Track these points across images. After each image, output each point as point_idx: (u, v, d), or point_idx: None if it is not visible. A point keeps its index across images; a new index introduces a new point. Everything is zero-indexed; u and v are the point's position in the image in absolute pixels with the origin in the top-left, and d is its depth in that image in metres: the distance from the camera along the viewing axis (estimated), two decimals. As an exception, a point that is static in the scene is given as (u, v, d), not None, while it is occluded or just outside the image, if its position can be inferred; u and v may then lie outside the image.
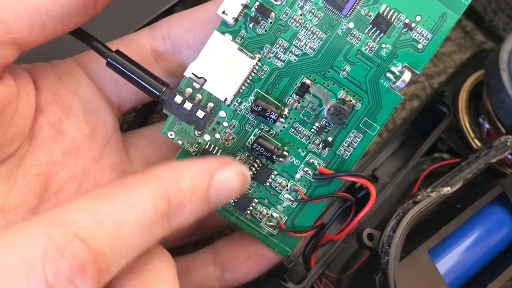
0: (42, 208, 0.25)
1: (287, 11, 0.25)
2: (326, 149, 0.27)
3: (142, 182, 0.20)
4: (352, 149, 0.26)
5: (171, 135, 0.26)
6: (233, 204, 0.27)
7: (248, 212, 0.27)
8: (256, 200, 0.27)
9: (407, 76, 0.25)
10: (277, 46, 0.26)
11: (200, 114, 0.26)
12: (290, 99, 0.26)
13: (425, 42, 0.25)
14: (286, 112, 0.26)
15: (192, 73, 0.25)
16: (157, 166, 0.21)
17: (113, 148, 0.28)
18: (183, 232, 0.28)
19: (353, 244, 0.27)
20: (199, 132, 0.26)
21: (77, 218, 0.18)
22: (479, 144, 0.35)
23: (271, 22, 0.25)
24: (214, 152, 0.27)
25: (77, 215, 0.18)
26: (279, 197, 0.27)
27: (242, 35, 0.25)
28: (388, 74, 0.26)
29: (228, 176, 0.22)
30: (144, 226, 0.19)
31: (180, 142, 0.27)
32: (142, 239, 0.19)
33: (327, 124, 0.26)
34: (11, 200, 0.24)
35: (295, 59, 0.26)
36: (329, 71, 0.26)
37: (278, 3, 0.25)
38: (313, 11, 0.25)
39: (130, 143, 0.29)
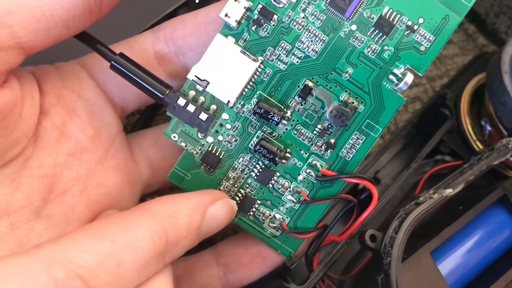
0: (46, 209, 0.25)
1: (290, 14, 0.25)
2: (329, 151, 0.27)
3: (141, 220, 0.21)
4: (354, 151, 0.27)
5: (174, 137, 0.27)
6: (236, 205, 0.27)
7: (251, 213, 0.27)
8: (259, 202, 0.27)
9: (409, 78, 0.25)
10: (280, 48, 0.26)
11: (203, 116, 0.26)
12: (292, 101, 0.26)
13: (427, 44, 0.25)
14: (288, 114, 0.26)
15: (195, 76, 0.25)
16: (155, 202, 0.22)
17: (117, 149, 0.28)
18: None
19: (356, 245, 0.27)
20: (202, 135, 0.26)
21: (79, 257, 0.18)
22: (481, 146, 0.34)
23: (273, 25, 0.25)
24: (217, 154, 0.27)
25: (78, 253, 0.18)
26: (282, 198, 0.27)
27: (244, 37, 0.25)
28: (391, 76, 0.26)
29: (218, 211, 0.23)
30: (142, 265, 0.20)
31: (183, 144, 0.27)
32: (138, 277, 0.20)
33: (329, 126, 0.26)
34: (15, 202, 0.24)
35: (297, 62, 0.26)
36: (331, 73, 0.26)
37: (281, 5, 0.25)
38: (315, 13, 0.25)
39: (134, 144, 0.29)
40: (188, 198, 0.22)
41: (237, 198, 0.27)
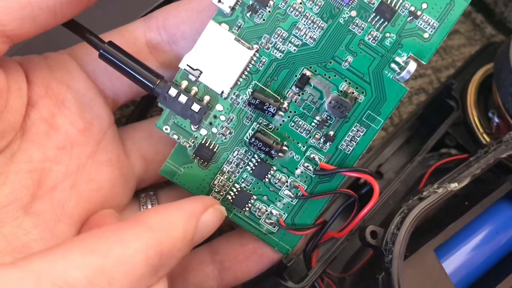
0: (35, 206, 0.25)
1: None
2: (328, 143, 0.26)
3: (135, 233, 0.20)
4: (354, 143, 0.26)
5: (166, 129, 0.26)
6: (231, 200, 0.26)
7: (247, 209, 0.27)
8: (254, 197, 0.26)
9: (412, 66, 0.24)
10: (276, 36, 0.25)
11: (196, 107, 0.25)
12: (289, 92, 0.25)
13: (431, 31, 0.24)
14: (285, 105, 0.25)
15: (187, 65, 0.25)
16: (149, 214, 0.21)
17: (109, 143, 0.27)
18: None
19: (356, 242, 0.27)
20: (195, 127, 0.26)
21: (68, 272, 0.18)
22: (488, 139, 0.34)
23: (269, 11, 0.24)
24: (211, 147, 0.26)
25: (68, 268, 0.18)
26: (279, 193, 0.26)
27: (239, 24, 0.25)
28: (393, 65, 0.25)
29: (210, 219, 0.23)
30: (134, 281, 0.19)
31: (175, 137, 0.26)
32: None
33: (328, 117, 0.25)
34: (2, 198, 0.24)
35: (294, 50, 0.25)
36: (330, 62, 0.25)
37: (277, -9, 0.24)
38: (313, -1, 0.24)
39: (126, 137, 0.28)
40: (181, 208, 0.22)
41: (232, 193, 0.26)
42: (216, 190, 0.26)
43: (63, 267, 0.18)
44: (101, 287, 0.18)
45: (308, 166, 0.26)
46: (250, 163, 0.26)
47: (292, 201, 0.27)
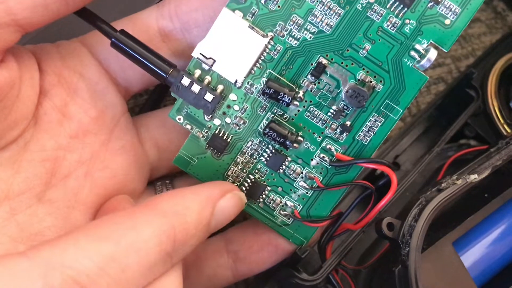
0: (48, 194, 0.25)
1: (302, -14, 0.24)
2: (344, 134, 0.25)
3: (148, 219, 0.20)
4: (372, 134, 0.25)
5: (179, 119, 0.25)
6: (245, 192, 0.26)
7: (261, 200, 0.26)
8: (269, 188, 0.26)
9: (433, 54, 0.23)
10: (291, 23, 0.24)
11: (209, 97, 0.24)
12: (305, 81, 0.25)
13: (453, 17, 0.24)
14: (300, 94, 0.25)
15: (201, 53, 0.24)
16: (163, 198, 0.21)
17: (122, 130, 0.27)
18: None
19: (372, 234, 0.27)
20: (208, 117, 0.25)
21: (79, 261, 0.17)
22: (509, 130, 0.33)
23: (284, -3, 0.24)
24: (225, 137, 0.25)
25: (78, 257, 0.17)
26: (294, 185, 0.26)
27: (253, 11, 0.24)
28: (412, 53, 0.24)
29: (228, 205, 0.22)
30: (147, 268, 0.19)
31: (188, 127, 0.26)
32: (143, 280, 0.19)
33: (345, 107, 0.25)
34: (15, 186, 0.24)
35: (310, 37, 0.24)
36: (347, 50, 0.24)
37: (293, -23, 0.24)
38: (330, -15, 0.24)
39: (140, 125, 0.28)
40: (197, 192, 0.21)
41: (246, 184, 0.26)
42: (230, 181, 0.26)
43: (73, 256, 0.17)
44: (113, 274, 0.18)
45: (324, 157, 0.26)
46: (264, 153, 0.26)
47: (307, 193, 0.26)
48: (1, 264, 0.17)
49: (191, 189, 0.21)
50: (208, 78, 0.25)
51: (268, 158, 0.26)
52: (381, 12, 0.24)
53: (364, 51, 0.24)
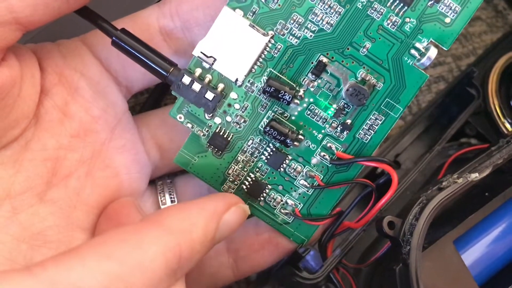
0: (50, 194, 0.25)
1: (303, -16, 0.24)
2: (345, 132, 0.25)
3: (154, 235, 0.19)
4: (372, 132, 0.25)
5: (180, 118, 0.25)
6: (246, 190, 0.26)
7: (262, 199, 0.26)
8: (269, 187, 0.26)
9: (433, 52, 0.23)
10: (292, 21, 0.24)
11: (210, 95, 0.24)
12: (305, 79, 0.25)
13: (453, 16, 0.24)
14: (301, 93, 0.25)
15: (201, 52, 0.24)
16: (168, 213, 0.20)
17: (123, 130, 0.27)
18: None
19: (373, 232, 0.27)
20: (209, 115, 0.25)
21: (84, 280, 0.17)
22: (510, 128, 0.33)
23: (285, -4, 0.24)
24: (225, 136, 0.25)
25: (84, 276, 0.17)
26: (294, 183, 0.26)
27: (253, 10, 0.24)
28: (412, 51, 0.24)
29: (233, 218, 0.22)
30: (152, 285, 0.19)
31: (189, 125, 0.26)
32: None
33: (345, 105, 0.25)
34: (16, 186, 0.24)
35: (311, 36, 0.24)
36: (348, 48, 0.24)
37: (293, -25, 0.24)
38: (330, -17, 0.24)
39: (141, 124, 0.28)
40: (203, 207, 0.21)
41: (247, 183, 0.26)
42: (231, 179, 0.26)
43: (78, 275, 0.17)
44: None
45: (324, 155, 0.26)
46: (265, 152, 0.26)
47: (308, 191, 0.26)
48: (6, 281, 0.17)
49: (197, 203, 0.21)
50: (208, 77, 0.25)
51: (268, 157, 0.26)
52: (382, 10, 0.24)
53: (364, 50, 0.24)
